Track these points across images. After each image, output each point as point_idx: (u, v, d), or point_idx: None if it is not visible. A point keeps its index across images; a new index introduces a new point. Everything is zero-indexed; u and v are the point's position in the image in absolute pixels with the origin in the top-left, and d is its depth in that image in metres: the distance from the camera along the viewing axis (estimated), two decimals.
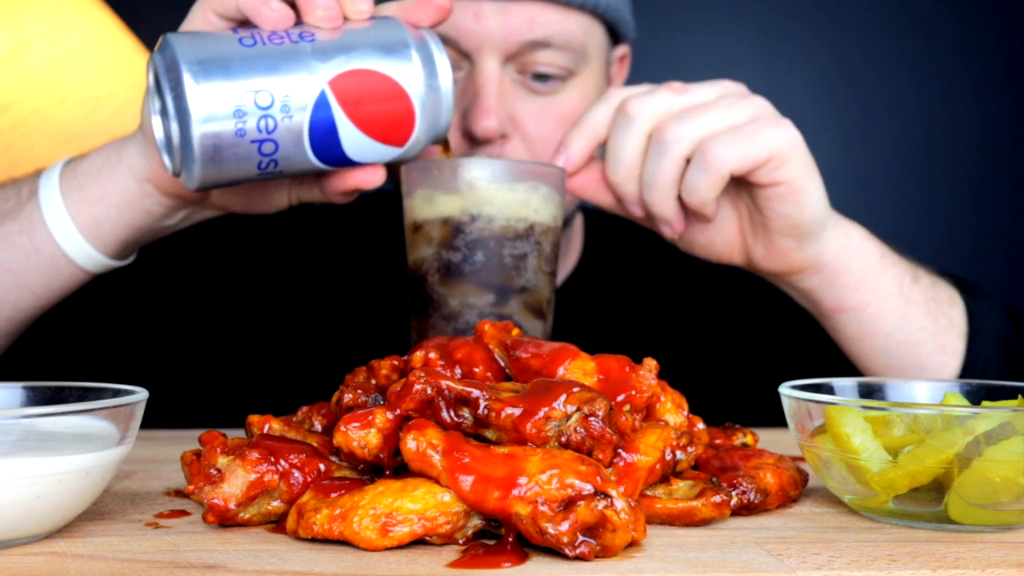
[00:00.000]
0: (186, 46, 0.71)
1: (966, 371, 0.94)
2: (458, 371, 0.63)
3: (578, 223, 1.21)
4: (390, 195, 1.21)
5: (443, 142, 0.81)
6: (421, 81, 0.75)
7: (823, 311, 0.92)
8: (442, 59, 0.76)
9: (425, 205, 0.80)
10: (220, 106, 0.70)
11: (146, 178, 0.83)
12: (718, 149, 0.79)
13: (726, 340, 1.20)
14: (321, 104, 0.72)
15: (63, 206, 0.84)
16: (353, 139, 0.75)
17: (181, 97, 0.70)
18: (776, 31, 2.18)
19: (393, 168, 1.11)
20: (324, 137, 0.74)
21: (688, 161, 0.81)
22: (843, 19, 2.21)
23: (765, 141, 0.80)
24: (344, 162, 0.76)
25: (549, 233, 0.81)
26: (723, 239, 0.90)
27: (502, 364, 0.65)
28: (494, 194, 0.79)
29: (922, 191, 2.17)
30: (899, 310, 0.91)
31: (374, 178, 0.79)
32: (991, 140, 2.23)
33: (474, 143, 1.00)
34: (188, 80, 0.70)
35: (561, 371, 0.62)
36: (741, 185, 0.85)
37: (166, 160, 0.76)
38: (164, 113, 0.74)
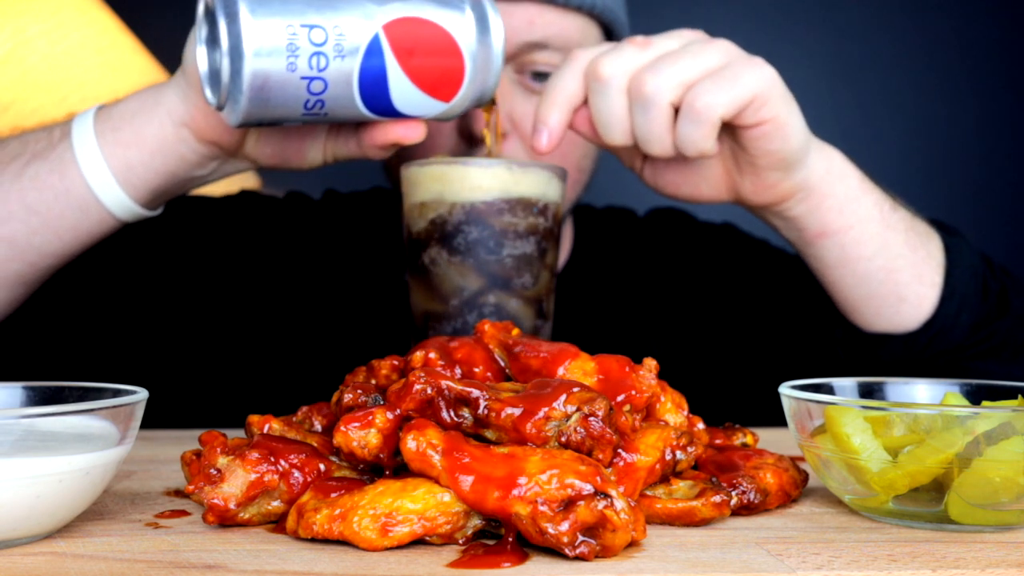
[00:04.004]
0: None
1: (943, 303, 0.93)
2: (458, 371, 0.63)
3: (568, 220, 1.21)
4: (389, 194, 1.21)
5: (488, 104, 0.79)
6: (473, 36, 0.74)
7: (807, 238, 0.92)
8: (495, 18, 0.75)
9: (426, 204, 0.80)
10: (274, 40, 0.69)
11: (183, 122, 0.82)
12: (705, 99, 0.79)
13: (726, 340, 1.20)
14: (374, 48, 0.72)
15: (97, 147, 0.83)
16: (401, 88, 0.74)
17: (236, 28, 0.69)
18: (776, 31, 2.18)
19: (393, 167, 1.11)
20: (373, 82, 0.73)
21: (676, 109, 0.80)
22: (843, 19, 2.21)
23: (747, 82, 0.80)
24: (389, 112, 0.75)
25: (549, 231, 0.81)
26: (708, 183, 0.90)
27: (502, 364, 0.65)
28: (496, 194, 0.79)
29: (922, 191, 2.16)
30: (879, 235, 0.91)
31: (415, 133, 0.78)
32: (991, 140, 2.23)
33: (472, 142, 1.00)
34: (244, 11, 0.69)
35: (561, 371, 0.62)
36: (723, 128, 0.84)
37: (209, 94, 0.75)
38: (213, 43, 0.73)
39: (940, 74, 2.21)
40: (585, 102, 0.84)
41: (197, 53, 0.75)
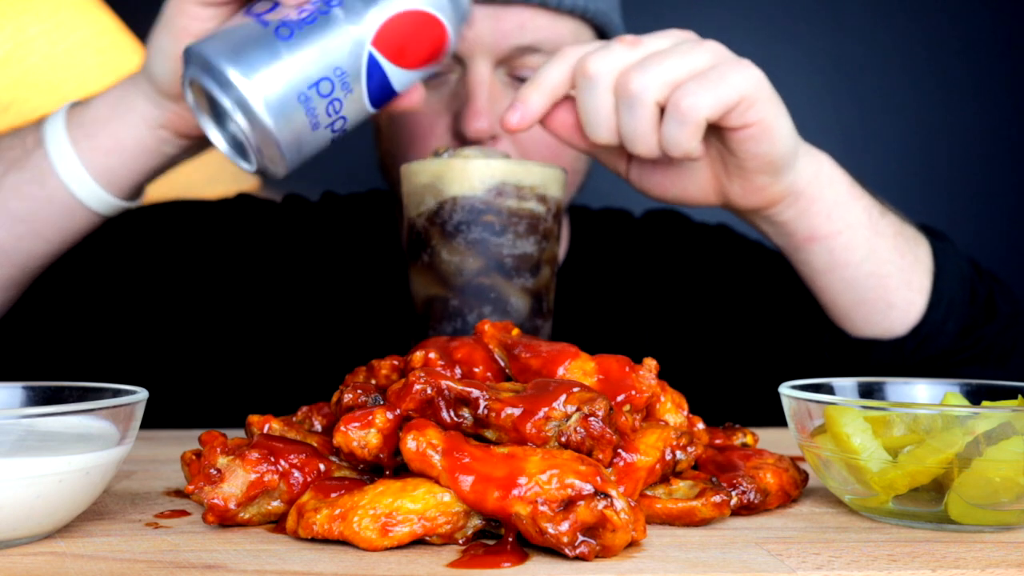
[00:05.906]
0: (226, 55, 0.72)
1: (931, 309, 0.94)
2: (458, 371, 0.63)
3: (564, 220, 1.21)
4: (387, 196, 1.21)
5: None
6: (445, 2, 0.78)
7: (796, 243, 0.92)
8: None
9: (426, 199, 0.80)
10: (293, 114, 0.73)
11: (159, 125, 0.83)
12: (690, 99, 0.78)
13: (723, 340, 1.20)
14: (372, 65, 0.75)
15: (75, 155, 0.84)
16: (401, 78, 0.78)
17: (259, 123, 0.72)
18: (776, 31, 2.18)
19: (389, 168, 1.11)
20: (379, 88, 0.77)
21: (661, 109, 0.80)
22: (843, 19, 2.21)
23: (734, 83, 0.79)
24: (393, 97, 0.80)
25: (549, 230, 0.81)
26: (696, 185, 0.90)
27: (502, 364, 0.65)
28: (496, 188, 0.79)
29: (922, 191, 2.17)
30: (868, 241, 0.91)
31: (417, 99, 0.82)
32: (991, 140, 2.23)
33: (464, 145, 1.00)
34: (259, 105, 0.72)
35: (561, 371, 0.62)
36: (710, 130, 0.84)
37: (243, 164, 0.78)
38: (223, 123, 0.76)
39: (940, 74, 2.21)
40: (568, 98, 0.83)
41: (209, 134, 0.77)
